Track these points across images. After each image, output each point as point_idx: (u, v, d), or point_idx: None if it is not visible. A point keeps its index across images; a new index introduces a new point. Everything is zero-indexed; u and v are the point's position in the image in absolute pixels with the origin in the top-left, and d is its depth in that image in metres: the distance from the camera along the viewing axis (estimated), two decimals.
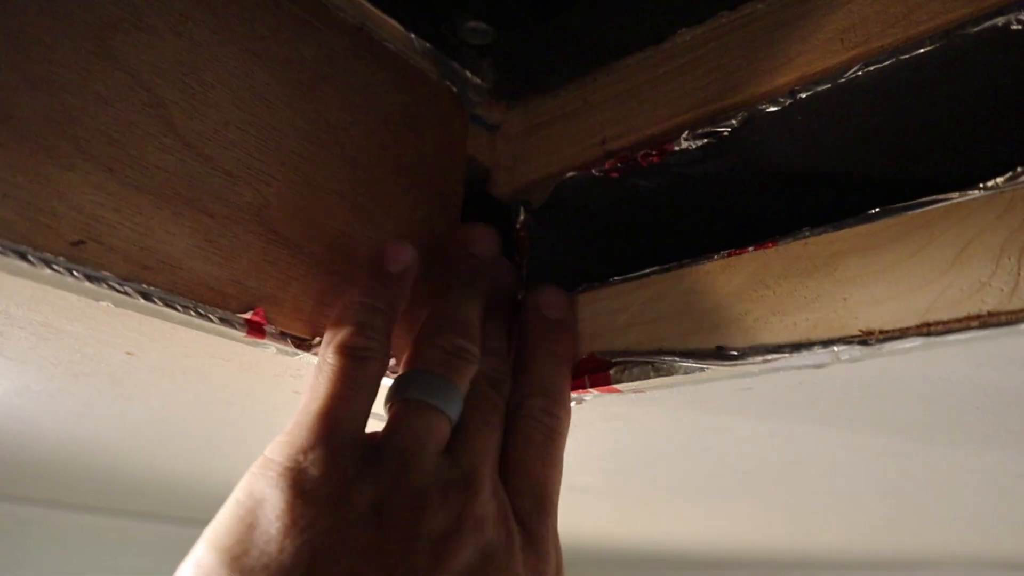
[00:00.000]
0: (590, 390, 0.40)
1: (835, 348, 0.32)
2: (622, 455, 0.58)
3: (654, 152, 0.43)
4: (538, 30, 0.50)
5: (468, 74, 0.49)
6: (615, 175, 0.45)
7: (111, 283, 0.32)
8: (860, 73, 0.37)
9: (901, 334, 0.31)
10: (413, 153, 0.45)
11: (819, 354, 0.33)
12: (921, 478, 0.60)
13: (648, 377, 0.37)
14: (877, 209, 0.34)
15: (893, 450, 0.51)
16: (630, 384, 0.38)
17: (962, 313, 0.29)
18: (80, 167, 0.32)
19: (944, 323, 0.29)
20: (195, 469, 0.79)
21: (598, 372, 0.39)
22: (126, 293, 0.33)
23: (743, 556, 1.38)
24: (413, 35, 0.46)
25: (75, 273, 0.31)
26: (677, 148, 0.42)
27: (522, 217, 0.49)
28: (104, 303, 0.33)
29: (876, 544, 1.10)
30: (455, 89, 0.49)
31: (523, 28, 0.50)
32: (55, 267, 0.31)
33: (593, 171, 0.46)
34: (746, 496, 0.76)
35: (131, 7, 0.34)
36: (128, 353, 0.41)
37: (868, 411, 0.42)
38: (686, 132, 0.42)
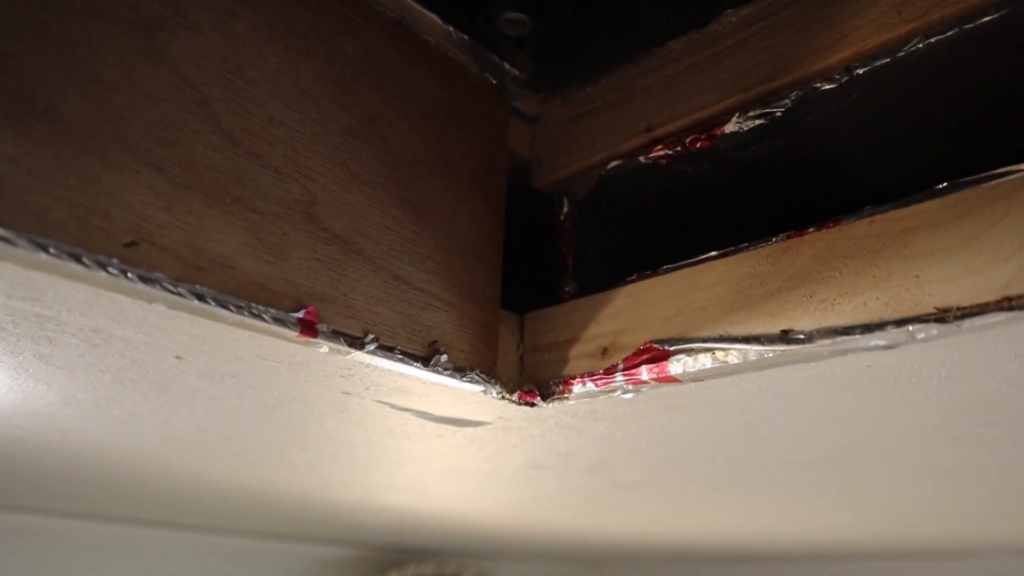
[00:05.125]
0: (648, 380, 0.39)
1: (910, 327, 0.31)
2: (672, 448, 0.57)
3: (703, 136, 0.42)
4: (576, 19, 0.49)
5: (507, 66, 0.48)
6: (662, 162, 0.44)
7: (165, 284, 0.32)
8: (921, 46, 0.36)
9: (981, 309, 0.29)
10: (456, 147, 0.45)
11: (892, 334, 0.31)
12: (980, 462, 0.58)
13: (710, 365, 0.36)
14: (945, 184, 0.33)
15: (955, 433, 0.49)
16: (690, 373, 0.37)
17: None
18: (130, 167, 0.32)
19: None
20: (236, 478, 0.79)
21: (657, 361, 0.38)
22: (179, 294, 0.32)
23: (782, 550, 1.36)
24: (452, 28, 0.45)
25: (129, 275, 0.31)
26: (727, 131, 0.41)
27: (566, 208, 0.48)
28: (157, 305, 0.33)
29: (920, 532, 1.08)
30: (495, 81, 0.48)
31: (561, 17, 0.49)
32: (110, 269, 0.30)
33: (639, 159, 0.45)
34: (793, 487, 0.74)
35: (175, 5, 0.34)
36: (177, 357, 0.40)
37: (934, 393, 0.41)
38: (736, 114, 0.41)
